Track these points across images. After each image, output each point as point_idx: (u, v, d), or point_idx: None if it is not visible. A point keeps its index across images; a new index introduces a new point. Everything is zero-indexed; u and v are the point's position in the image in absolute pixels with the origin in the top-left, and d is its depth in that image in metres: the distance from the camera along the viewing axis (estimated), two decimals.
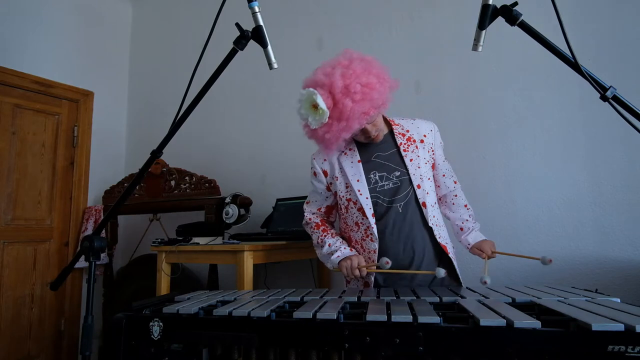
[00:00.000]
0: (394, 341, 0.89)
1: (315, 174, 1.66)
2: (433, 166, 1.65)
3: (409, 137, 1.60)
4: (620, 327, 0.78)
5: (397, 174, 1.55)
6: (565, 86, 2.02)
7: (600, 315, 0.85)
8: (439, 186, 1.69)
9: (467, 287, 1.37)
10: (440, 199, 1.72)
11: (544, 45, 0.95)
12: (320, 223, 1.70)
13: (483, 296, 1.15)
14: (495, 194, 2.13)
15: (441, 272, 1.32)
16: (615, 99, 0.91)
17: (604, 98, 0.91)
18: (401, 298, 1.17)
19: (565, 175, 2.02)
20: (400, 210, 1.53)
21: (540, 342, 0.82)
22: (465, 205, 1.70)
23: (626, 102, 0.90)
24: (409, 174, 1.55)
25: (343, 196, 1.59)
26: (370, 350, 0.91)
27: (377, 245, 1.52)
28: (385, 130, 1.58)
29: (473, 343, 0.85)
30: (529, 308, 1.03)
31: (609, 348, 0.77)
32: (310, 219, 1.72)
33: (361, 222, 1.55)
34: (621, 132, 1.88)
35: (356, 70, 1.36)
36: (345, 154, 1.60)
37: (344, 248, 1.57)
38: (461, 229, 1.67)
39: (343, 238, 1.66)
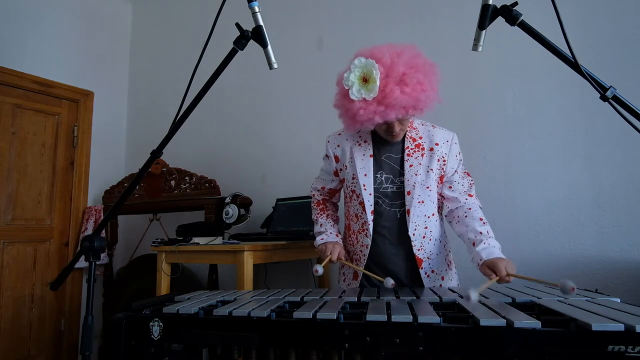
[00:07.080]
0: (394, 341, 0.89)
1: (327, 156, 1.66)
2: (442, 178, 1.56)
3: (418, 143, 1.54)
4: (620, 327, 0.78)
5: (402, 179, 1.52)
6: (565, 86, 2.02)
7: (600, 315, 0.85)
8: (448, 199, 1.60)
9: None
10: (449, 214, 1.62)
11: (544, 45, 0.95)
12: (320, 201, 1.75)
13: (483, 296, 1.15)
14: (495, 194, 2.12)
15: (388, 283, 1.27)
16: (615, 99, 0.90)
17: (604, 98, 0.91)
18: (401, 298, 1.17)
19: (565, 175, 2.01)
20: (399, 216, 1.52)
21: (540, 342, 0.81)
22: (481, 219, 1.47)
23: (626, 102, 0.90)
24: (404, 180, 1.51)
25: (349, 186, 1.59)
26: (370, 350, 0.91)
27: (369, 242, 1.52)
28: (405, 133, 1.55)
29: (473, 343, 0.85)
30: (529, 308, 1.03)
31: (609, 348, 0.77)
32: (313, 195, 1.78)
33: (360, 216, 1.55)
34: (621, 132, 1.88)
35: (418, 66, 1.35)
36: (359, 145, 1.57)
37: (330, 233, 1.62)
38: (473, 243, 1.41)
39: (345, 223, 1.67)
